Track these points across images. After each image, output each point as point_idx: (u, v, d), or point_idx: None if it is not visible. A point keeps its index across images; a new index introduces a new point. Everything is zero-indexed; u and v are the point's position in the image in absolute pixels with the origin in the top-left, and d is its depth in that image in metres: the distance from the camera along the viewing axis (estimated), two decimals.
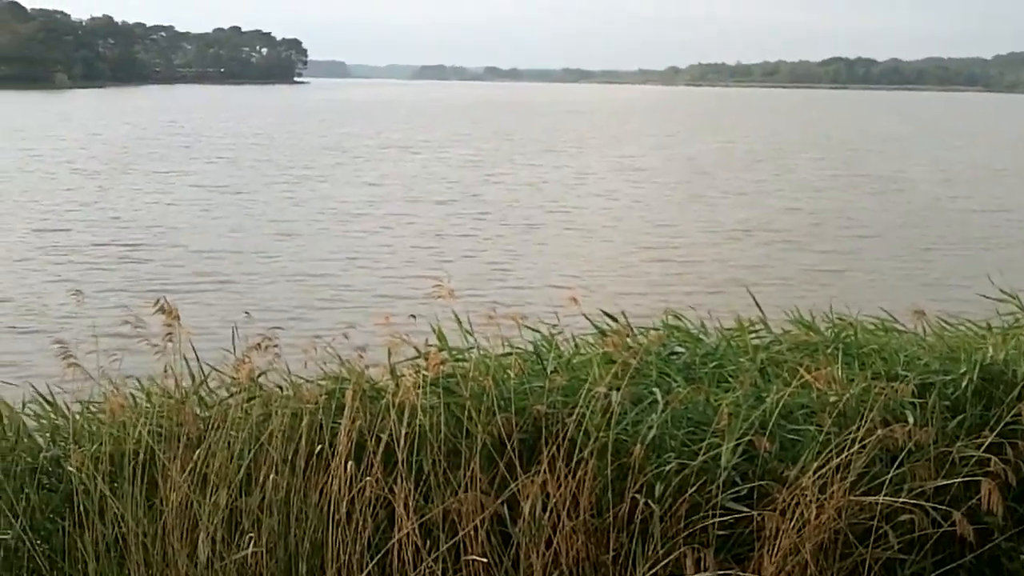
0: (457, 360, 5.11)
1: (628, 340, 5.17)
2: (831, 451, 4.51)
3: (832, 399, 4.73)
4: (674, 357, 5.52)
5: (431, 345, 5.14)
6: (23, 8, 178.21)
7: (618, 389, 4.75)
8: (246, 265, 21.60)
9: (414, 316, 5.22)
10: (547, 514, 4.55)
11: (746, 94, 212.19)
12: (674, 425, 4.70)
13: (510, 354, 5.18)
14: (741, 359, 5.31)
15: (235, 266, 21.47)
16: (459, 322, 5.37)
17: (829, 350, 5.30)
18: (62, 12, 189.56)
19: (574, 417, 4.67)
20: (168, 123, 72.55)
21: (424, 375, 4.80)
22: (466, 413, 4.77)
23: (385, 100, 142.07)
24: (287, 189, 35.57)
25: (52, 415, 5.13)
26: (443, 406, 4.70)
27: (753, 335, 5.69)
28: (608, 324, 5.63)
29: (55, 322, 15.34)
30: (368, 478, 4.49)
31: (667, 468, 4.53)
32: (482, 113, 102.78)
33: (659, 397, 4.73)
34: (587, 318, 5.53)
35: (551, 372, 5.04)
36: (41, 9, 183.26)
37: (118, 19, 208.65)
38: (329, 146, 55.04)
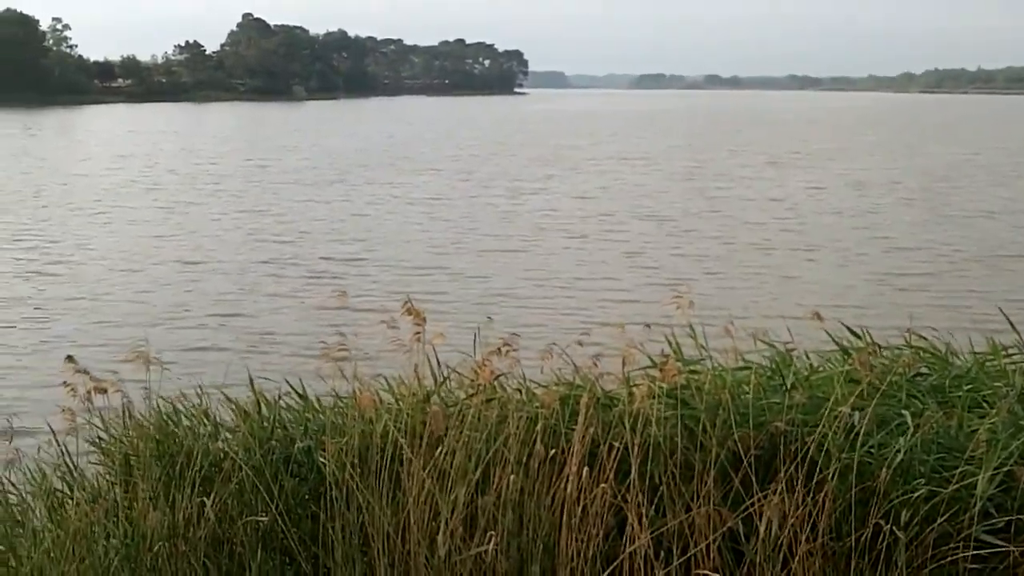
0: (692, 372, 5.07)
1: (873, 359, 4.96)
2: None
3: None
4: (920, 378, 5.27)
5: (666, 356, 5.12)
6: (267, 24, 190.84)
7: (861, 409, 4.59)
8: (480, 270, 22.22)
9: (648, 326, 5.22)
10: (783, 534, 4.44)
11: (988, 102, 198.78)
12: (923, 450, 4.48)
13: (746, 368, 5.10)
14: (997, 383, 5.00)
15: (470, 269, 22.13)
16: (693, 334, 5.32)
17: None
18: (301, 28, 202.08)
19: (815, 436, 4.53)
20: (388, 136, 75.58)
21: (659, 386, 4.79)
22: (700, 426, 4.73)
23: (602, 110, 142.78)
24: (511, 198, 36.32)
25: (305, 409, 5.46)
26: (678, 418, 4.67)
27: (1008, 359, 5.35)
28: (850, 341, 5.43)
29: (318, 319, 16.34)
30: (603, 485, 4.52)
31: (915, 495, 4.33)
32: (702, 122, 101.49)
33: (908, 420, 4.53)
34: (829, 335, 5.35)
35: (789, 389, 4.92)
36: (283, 25, 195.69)
37: (351, 33, 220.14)
38: (545, 157, 55.76)
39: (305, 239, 26.75)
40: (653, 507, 4.63)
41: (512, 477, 4.66)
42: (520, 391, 5.02)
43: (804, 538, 4.41)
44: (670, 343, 5.22)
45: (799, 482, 4.47)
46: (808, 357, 5.52)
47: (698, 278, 20.64)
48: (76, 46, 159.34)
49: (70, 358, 5.04)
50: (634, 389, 4.86)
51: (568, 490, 4.60)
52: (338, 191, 38.26)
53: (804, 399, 4.81)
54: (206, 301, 19.10)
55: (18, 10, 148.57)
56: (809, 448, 4.51)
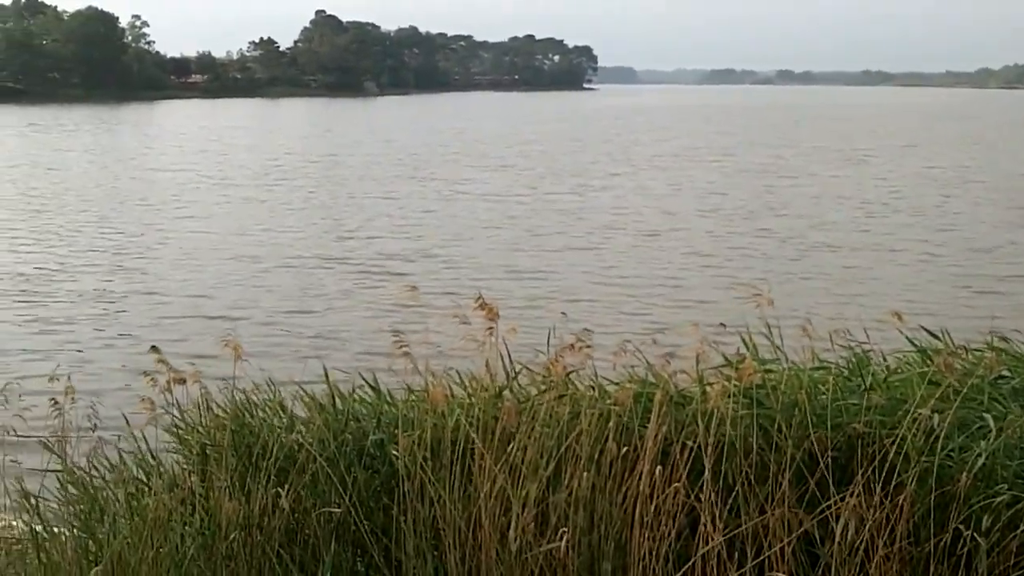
0: (767, 371, 5.00)
1: (954, 361, 4.85)
2: None
3: None
4: (1002, 381, 5.13)
5: (741, 354, 5.06)
6: (340, 21, 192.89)
7: (941, 412, 4.49)
8: (546, 267, 22.22)
9: (724, 324, 5.16)
10: (860, 537, 4.36)
11: None
12: (1006, 455, 4.37)
13: (823, 368, 5.02)
14: None
15: (537, 267, 22.14)
16: (769, 333, 5.25)
17: None
18: (373, 24, 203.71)
19: (893, 438, 4.45)
20: (458, 132, 75.83)
21: (733, 385, 4.74)
22: (776, 426, 4.67)
23: (672, 105, 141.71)
24: (578, 195, 36.25)
25: (378, 402, 5.50)
26: (753, 417, 4.62)
27: None
28: (928, 343, 5.31)
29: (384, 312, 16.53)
30: (676, 484, 4.48)
31: (998, 500, 4.23)
32: (773, 118, 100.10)
33: (990, 423, 4.42)
34: (906, 336, 5.23)
35: (867, 390, 4.83)
36: (355, 22, 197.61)
37: (422, 30, 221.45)
38: (613, 153, 55.50)
39: (375, 235, 26.99)
40: (727, 507, 4.58)
41: (584, 474, 4.65)
42: (593, 388, 4.99)
43: (881, 542, 4.34)
44: (745, 342, 5.15)
45: (877, 485, 4.39)
46: (884, 359, 5.41)
47: (770, 277, 20.31)
48: (154, 43, 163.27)
49: (154, 348, 5.14)
50: (708, 387, 4.81)
51: (640, 488, 4.57)
52: (407, 187, 38.56)
53: (882, 401, 4.73)
54: (275, 296, 19.39)
55: (99, 8, 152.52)
56: (887, 451, 4.43)
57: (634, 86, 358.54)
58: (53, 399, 4.95)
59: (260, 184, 39.58)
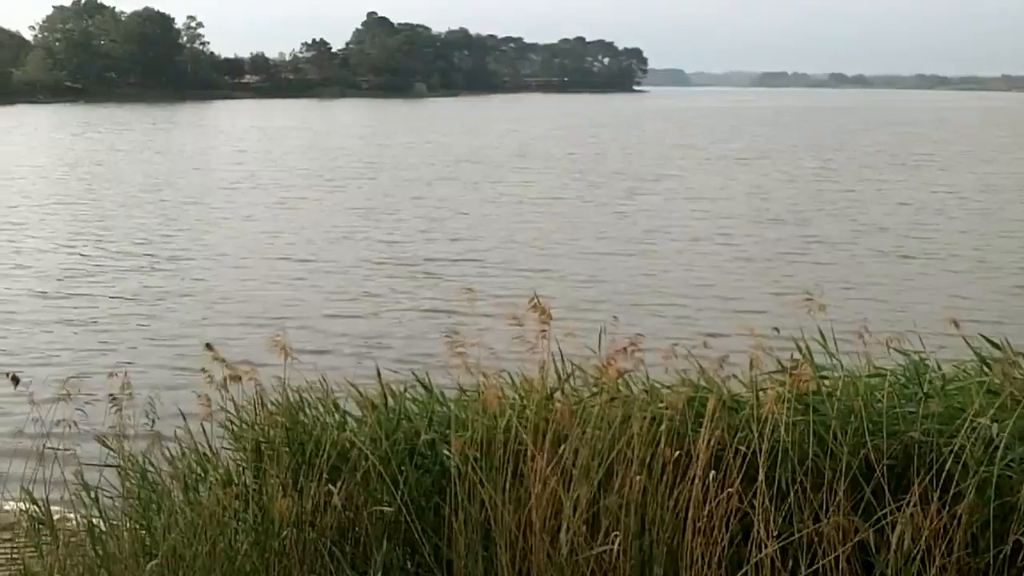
0: (822, 377, 4.95)
1: (1014, 370, 4.76)
2: None
3: None
4: None
5: (795, 360, 5.02)
6: (391, 23, 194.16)
7: (1000, 421, 4.41)
8: (593, 271, 22.17)
9: (777, 329, 5.12)
10: (916, 547, 4.30)
11: None
12: None
13: (879, 375, 4.95)
14: None
15: (584, 271, 22.09)
16: (822, 339, 5.20)
17: None
18: (424, 26, 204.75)
19: (951, 448, 4.38)
20: (508, 133, 75.94)
21: (788, 390, 4.70)
22: (831, 433, 4.63)
23: (722, 108, 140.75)
24: (627, 198, 36.13)
25: (429, 402, 5.53)
26: (808, 424, 4.57)
27: None
28: (988, 351, 5.22)
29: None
30: (729, 489, 4.45)
31: None
32: (825, 122, 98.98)
33: None
34: (967, 343, 5.15)
35: (924, 398, 4.76)
36: (406, 23, 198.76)
37: (472, 32, 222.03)
38: (662, 156, 55.23)
39: (424, 236, 27.07)
40: (780, 514, 4.54)
41: (636, 477, 4.64)
42: (646, 391, 4.98)
43: (939, 552, 4.28)
44: (799, 348, 5.10)
45: (934, 494, 4.33)
46: (939, 367, 5.33)
47: (824, 284, 20.08)
48: (208, 43, 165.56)
49: (208, 346, 5.20)
50: (762, 392, 4.77)
51: (693, 493, 4.55)
52: (455, 189, 38.61)
53: (940, 409, 4.66)
54: (323, 296, 19.53)
55: (156, 9, 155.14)
56: (945, 460, 4.36)
57: (684, 88, 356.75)
58: (112, 395, 5.04)
59: (309, 184, 39.88)
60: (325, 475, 5.11)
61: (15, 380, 5.00)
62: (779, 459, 4.56)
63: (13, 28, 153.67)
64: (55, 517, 5.45)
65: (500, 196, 36.51)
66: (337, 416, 5.51)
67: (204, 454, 5.63)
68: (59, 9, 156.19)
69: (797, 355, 5.12)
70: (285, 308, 18.42)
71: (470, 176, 43.49)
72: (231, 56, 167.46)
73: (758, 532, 4.45)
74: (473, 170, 46.33)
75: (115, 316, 17.96)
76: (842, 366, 5.13)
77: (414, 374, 5.66)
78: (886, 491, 4.40)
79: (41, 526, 5.27)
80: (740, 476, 4.57)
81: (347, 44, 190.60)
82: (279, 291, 20.06)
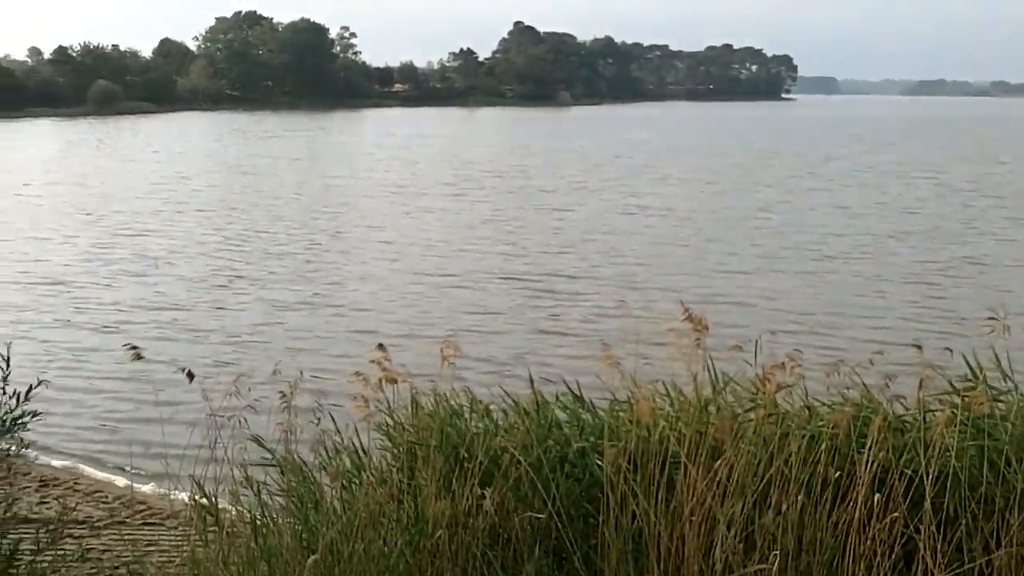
0: (996, 400, 4.73)
1: None
2: None
3: None
4: None
5: (967, 381, 4.80)
6: (537, 32, 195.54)
7: None
8: (766, 283, 21.77)
9: (950, 349, 4.91)
10: None
11: None
12: None
13: None
14: None
15: (733, 287, 21.67)
16: (997, 360, 4.96)
17: None
18: (569, 34, 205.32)
19: None
20: (648, 140, 75.04)
21: (959, 413, 4.50)
22: (1003, 459, 4.41)
23: (875, 117, 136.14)
24: (761, 209, 35.29)
25: (580, 410, 5.53)
26: (982, 449, 4.37)
27: None
28: None
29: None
30: (893, 514, 4.29)
31: None
32: (987, 132, 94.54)
33: None
34: None
35: None
36: (552, 32, 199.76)
37: (618, 40, 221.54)
38: (808, 167, 53.63)
39: (557, 250, 26.79)
40: (948, 542, 4.35)
41: (795, 496, 4.52)
42: (807, 408, 4.85)
43: None
44: (971, 369, 4.88)
45: None
46: None
47: (993, 305, 19.01)
48: (360, 52, 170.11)
49: (381, 346, 5.31)
50: (930, 414, 4.59)
51: (855, 515, 4.41)
52: (596, 201, 38.11)
53: None
54: (461, 306, 19.66)
55: (311, 19, 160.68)
56: None
57: (835, 97, 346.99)
58: (281, 392, 5.21)
59: (451, 194, 40.25)
60: (477, 479, 5.17)
61: (190, 376, 5.23)
62: (948, 484, 4.37)
63: (179, 39, 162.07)
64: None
65: (642, 208, 36.13)
66: (489, 422, 5.57)
67: (356, 453, 5.77)
68: (221, 20, 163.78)
69: (970, 375, 4.91)
70: (449, 316, 18.68)
71: (618, 187, 43.21)
72: (381, 65, 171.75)
73: (924, 560, 4.27)
74: (620, 181, 46.06)
75: (266, 322, 18.60)
76: (1016, 388, 4.89)
77: (564, 381, 5.67)
78: None
79: (209, 516, 5.49)
80: (905, 500, 4.40)
81: (493, 53, 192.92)
82: (416, 300, 20.19)
